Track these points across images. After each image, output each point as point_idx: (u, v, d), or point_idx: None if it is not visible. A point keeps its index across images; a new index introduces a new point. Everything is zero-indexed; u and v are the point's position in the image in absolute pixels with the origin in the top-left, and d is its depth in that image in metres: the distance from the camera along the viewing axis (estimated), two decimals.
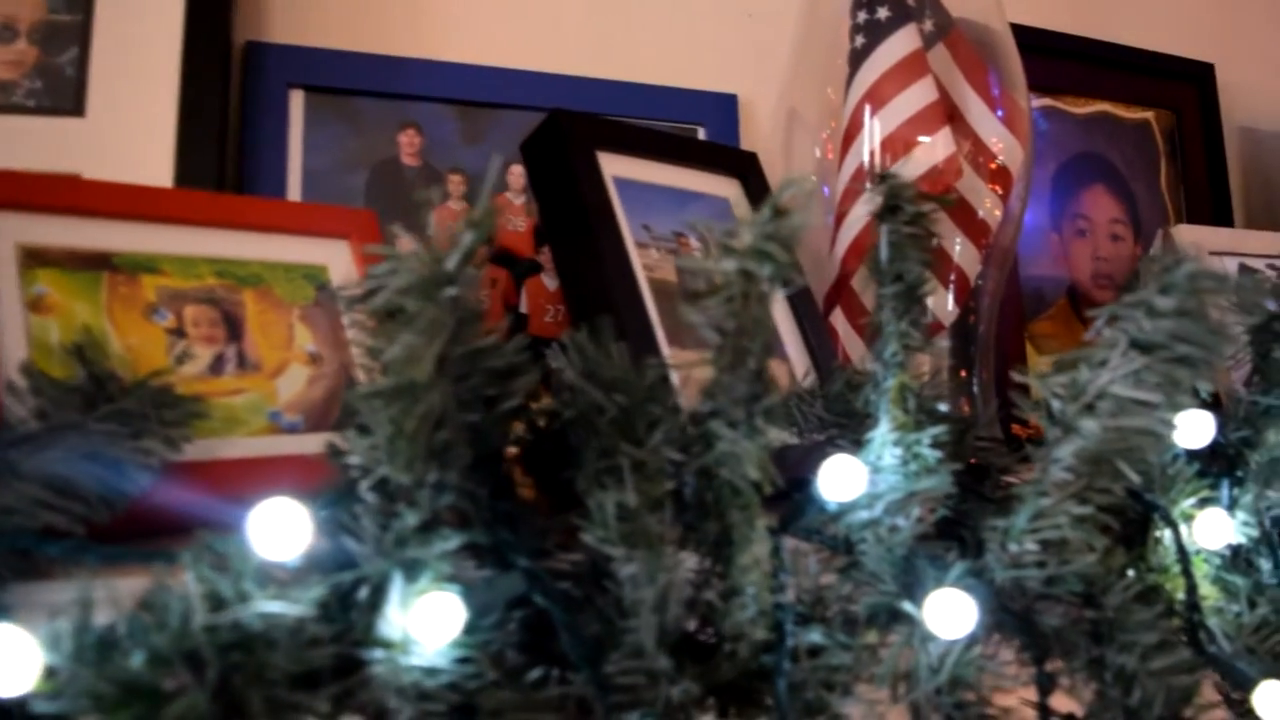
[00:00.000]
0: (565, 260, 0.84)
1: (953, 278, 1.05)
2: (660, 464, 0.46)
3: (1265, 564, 0.66)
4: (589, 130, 0.85)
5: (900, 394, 0.52)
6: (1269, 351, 0.69)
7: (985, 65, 1.07)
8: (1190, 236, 1.31)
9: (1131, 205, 1.57)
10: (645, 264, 0.80)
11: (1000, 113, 1.06)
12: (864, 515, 0.52)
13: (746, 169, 1.03)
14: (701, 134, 1.30)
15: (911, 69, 1.00)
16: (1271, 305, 0.67)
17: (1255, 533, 0.65)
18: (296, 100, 1.11)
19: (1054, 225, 1.50)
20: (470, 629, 0.42)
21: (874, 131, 1.02)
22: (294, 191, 1.08)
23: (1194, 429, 0.59)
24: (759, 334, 0.44)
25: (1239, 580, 0.63)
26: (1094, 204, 1.54)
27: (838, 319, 1.07)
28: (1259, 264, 1.32)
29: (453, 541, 0.42)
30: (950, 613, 0.48)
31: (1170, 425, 0.46)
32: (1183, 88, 1.67)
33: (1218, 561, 0.63)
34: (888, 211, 0.52)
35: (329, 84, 1.12)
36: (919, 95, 1.00)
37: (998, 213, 1.07)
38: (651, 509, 0.45)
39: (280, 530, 0.40)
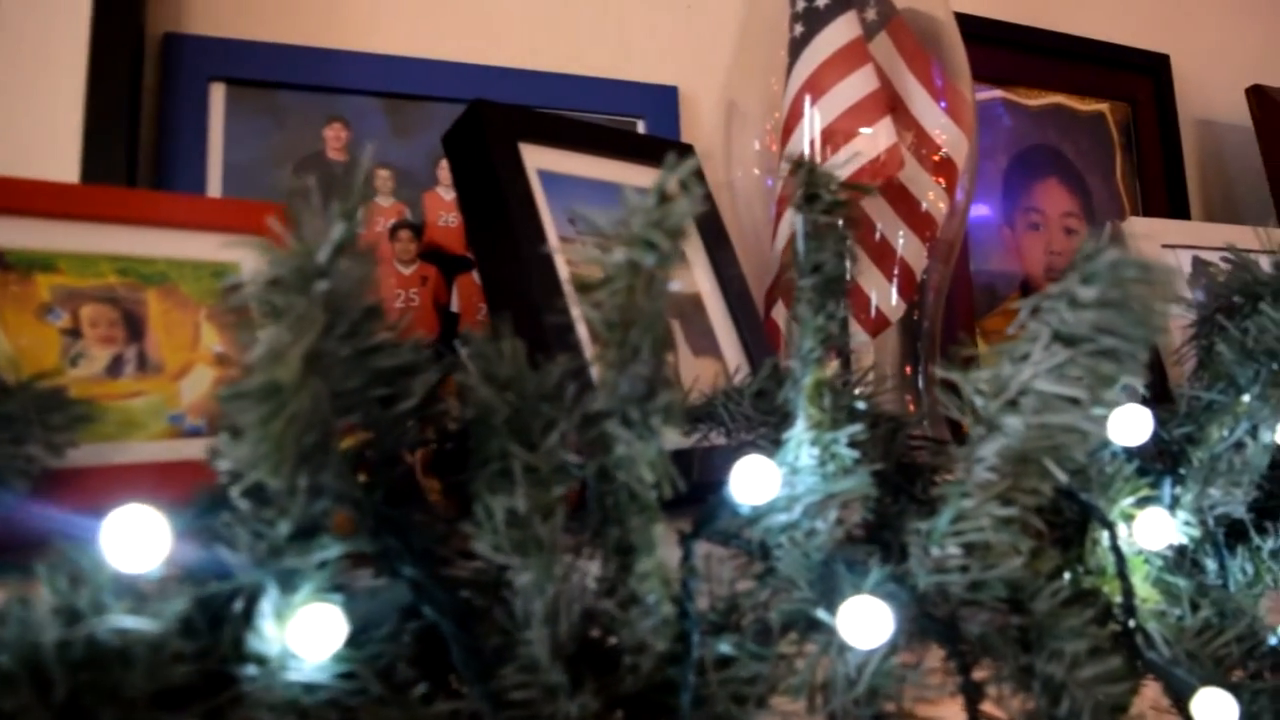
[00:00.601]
0: (484, 255, 0.81)
1: (897, 272, 1.03)
2: (554, 467, 0.44)
3: (1212, 564, 0.64)
4: (511, 121, 0.83)
5: (817, 391, 0.50)
6: (1213, 345, 0.67)
7: (928, 55, 1.06)
8: (1145, 229, 1.30)
9: (1086, 198, 1.56)
10: (569, 259, 0.78)
11: (944, 103, 1.05)
12: (782, 518, 0.50)
13: None
14: (641, 127, 1.28)
15: (852, 57, 0.99)
16: (1200, 296, 0.65)
17: (1197, 532, 0.64)
18: (217, 93, 1.08)
19: (1006, 219, 1.49)
20: (355, 641, 0.40)
21: (814, 121, 1.00)
22: (214, 188, 1.05)
23: (1131, 425, 0.57)
24: (650, 328, 0.42)
25: (1181, 582, 0.61)
26: (1047, 197, 1.53)
27: (780, 315, 1.05)
28: (1214, 256, 1.31)
29: (333, 550, 0.40)
30: (866, 620, 0.46)
31: (1098, 422, 0.44)
32: (1138, 79, 1.66)
33: (1159, 563, 0.61)
34: (805, 200, 0.50)
35: (252, 76, 1.10)
36: (859, 84, 0.98)
37: (942, 205, 1.05)
38: (544, 515, 0.43)
39: (136, 540, 0.37)
